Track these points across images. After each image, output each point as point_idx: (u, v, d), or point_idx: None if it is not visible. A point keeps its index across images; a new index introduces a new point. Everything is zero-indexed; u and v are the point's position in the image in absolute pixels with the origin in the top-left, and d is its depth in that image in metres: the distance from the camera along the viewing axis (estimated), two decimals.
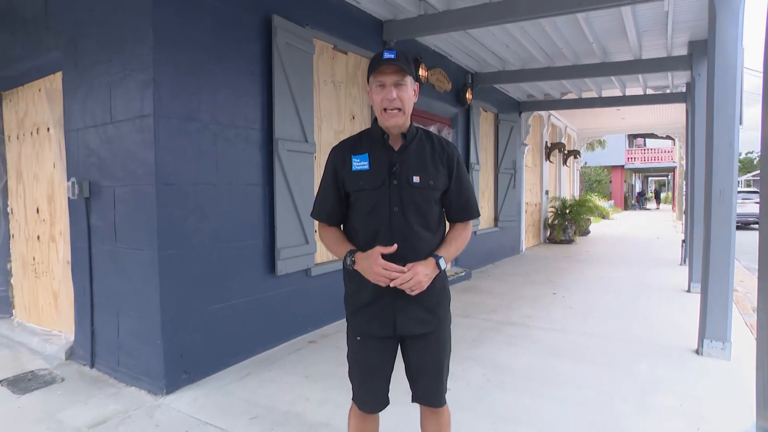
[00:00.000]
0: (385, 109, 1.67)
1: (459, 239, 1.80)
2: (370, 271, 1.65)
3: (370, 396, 1.86)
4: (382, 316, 1.73)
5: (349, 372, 1.89)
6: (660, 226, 17.37)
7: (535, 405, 2.95)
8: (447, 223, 1.86)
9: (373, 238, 1.70)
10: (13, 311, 4.64)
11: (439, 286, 1.77)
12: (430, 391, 1.84)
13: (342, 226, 1.86)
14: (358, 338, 1.81)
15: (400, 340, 1.81)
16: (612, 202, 28.43)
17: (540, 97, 9.56)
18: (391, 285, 1.63)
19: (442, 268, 1.72)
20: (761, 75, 1.44)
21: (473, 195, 1.84)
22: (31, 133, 4.24)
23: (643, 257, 9.46)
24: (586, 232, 13.35)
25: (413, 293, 1.65)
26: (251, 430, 2.67)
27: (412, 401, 1.87)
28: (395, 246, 1.65)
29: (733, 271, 3.72)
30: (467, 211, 1.82)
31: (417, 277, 1.63)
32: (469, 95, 7.06)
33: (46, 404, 3.00)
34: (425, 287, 1.66)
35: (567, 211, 12.10)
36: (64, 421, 2.79)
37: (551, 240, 12.00)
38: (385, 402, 1.88)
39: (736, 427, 2.60)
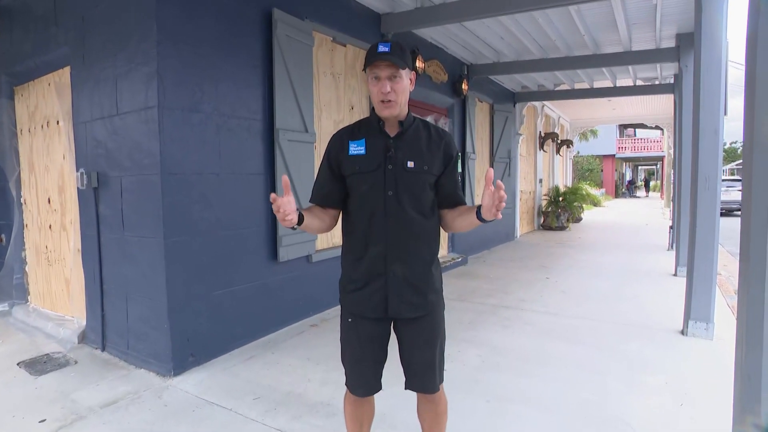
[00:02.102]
0: (381, 101, 1.69)
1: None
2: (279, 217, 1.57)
3: (361, 379, 1.88)
4: (375, 297, 1.76)
5: (341, 355, 1.91)
6: (649, 213, 17.60)
7: (529, 384, 3.07)
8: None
9: (368, 221, 1.73)
10: (29, 297, 4.75)
11: (432, 271, 1.81)
12: (422, 377, 1.85)
13: (341, 211, 1.87)
14: (350, 320, 1.83)
15: (394, 325, 1.84)
16: (603, 190, 28.70)
17: (534, 88, 9.66)
18: (495, 192, 1.47)
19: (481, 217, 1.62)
20: (744, 67, 1.52)
21: (459, 184, 1.86)
22: (42, 126, 4.31)
23: (632, 243, 9.66)
24: (578, 219, 13.53)
25: (498, 213, 1.50)
26: (255, 409, 2.77)
27: (405, 389, 1.88)
28: (285, 178, 1.58)
29: (717, 255, 3.89)
30: (457, 197, 1.82)
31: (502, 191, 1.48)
32: (464, 86, 7.16)
33: (61, 385, 3.12)
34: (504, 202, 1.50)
35: (560, 198, 12.29)
36: (78, 401, 2.90)
37: (545, 227, 12.17)
38: (376, 387, 1.89)
39: (717, 402, 2.74)
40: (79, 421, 2.68)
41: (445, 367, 1.94)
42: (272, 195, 1.53)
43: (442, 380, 1.90)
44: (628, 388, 3.02)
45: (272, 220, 3.97)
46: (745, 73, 1.48)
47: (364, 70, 1.74)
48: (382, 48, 1.65)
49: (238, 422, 2.65)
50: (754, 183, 1.38)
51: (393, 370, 1.94)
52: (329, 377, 3.17)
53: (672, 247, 7.77)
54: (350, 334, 1.85)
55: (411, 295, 1.76)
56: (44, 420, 2.68)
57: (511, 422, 2.62)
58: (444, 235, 7.09)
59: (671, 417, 2.67)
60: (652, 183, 42.99)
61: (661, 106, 12.06)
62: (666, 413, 2.70)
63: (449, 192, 1.81)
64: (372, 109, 1.82)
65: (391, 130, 1.78)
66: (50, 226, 4.34)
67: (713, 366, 3.35)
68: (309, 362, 3.46)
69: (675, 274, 6.24)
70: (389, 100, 1.69)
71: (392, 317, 1.79)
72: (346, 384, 1.92)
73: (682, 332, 3.99)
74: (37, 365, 3.43)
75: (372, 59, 1.67)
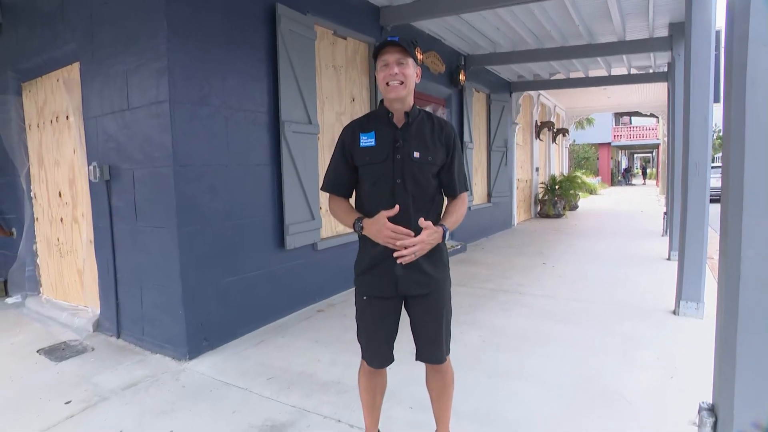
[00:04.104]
0: (388, 83, 1.82)
1: (457, 212, 1.97)
2: (379, 235, 1.81)
3: (376, 352, 2.02)
4: (386, 277, 1.90)
5: (357, 332, 2.05)
6: (644, 201, 17.77)
7: (528, 362, 3.23)
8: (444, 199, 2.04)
9: (377, 207, 1.85)
10: (41, 289, 4.87)
11: (438, 253, 1.94)
12: (430, 349, 2.00)
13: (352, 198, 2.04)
14: (365, 298, 1.97)
15: (404, 301, 1.98)
16: (599, 178, 28.88)
17: (530, 78, 9.77)
18: (397, 244, 1.79)
19: (446, 237, 1.90)
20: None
21: (464, 172, 2.03)
22: (51, 122, 4.41)
23: (628, 229, 9.83)
24: (574, 207, 13.69)
25: (414, 257, 1.81)
26: (269, 388, 2.92)
27: (416, 359, 2.04)
28: (397, 207, 1.79)
29: (707, 237, 4.04)
30: (458, 185, 1.98)
31: (423, 244, 1.81)
32: (462, 77, 7.28)
33: (81, 370, 3.27)
34: (425, 252, 1.83)
35: (556, 187, 12.45)
36: (100, 384, 3.05)
37: (542, 214, 12.35)
38: (390, 358, 2.04)
39: (704, 375, 2.89)
40: (103, 402, 2.82)
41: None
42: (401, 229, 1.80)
43: (448, 352, 2.05)
44: (621, 364, 3.18)
45: (279, 209, 4.10)
46: (725, 57, 1.61)
47: (375, 59, 1.89)
48: (391, 38, 1.82)
49: (254, 400, 2.80)
50: (732, 170, 1.52)
51: (401, 350, 2.10)
52: (338, 358, 3.33)
53: (666, 232, 7.92)
54: (365, 312, 2.01)
55: (419, 274, 1.90)
56: (70, 401, 2.82)
57: (512, 396, 2.78)
58: None
59: (661, 389, 2.83)
60: (649, 170, 43.14)
61: (655, 94, 12.18)
62: (657, 385, 2.87)
63: (446, 182, 1.98)
64: (380, 102, 1.96)
65: (399, 122, 1.91)
66: (61, 219, 4.45)
67: (702, 342, 3.48)
68: (318, 345, 3.60)
69: (668, 259, 6.40)
70: (397, 81, 1.82)
71: (402, 295, 1.94)
72: (362, 357, 2.08)
73: (674, 312, 4.16)
74: (56, 352, 3.56)
75: (382, 47, 1.84)
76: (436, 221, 1.95)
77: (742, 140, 1.44)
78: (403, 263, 1.82)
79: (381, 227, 1.81)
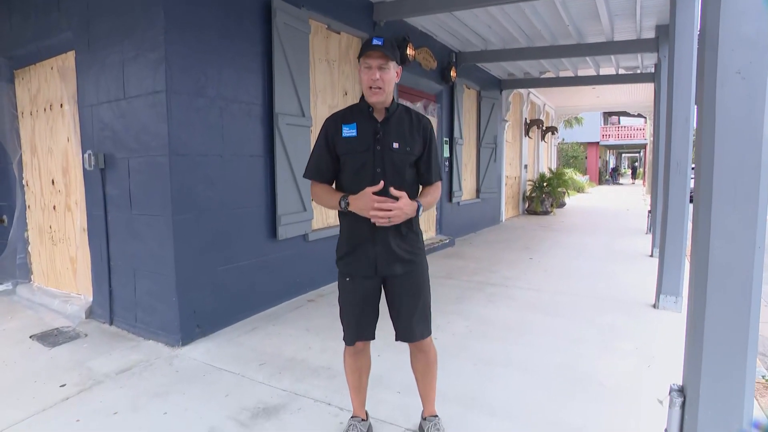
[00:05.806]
0: (370, 87, 1.95)
1: (432, 194, 2.12)
2: (366, 207, 1.92)
3: (357, 331, 2.12)
4: (366, 259, 2.03)
5: (340, 314, 2.16)
6: (631, 200, 18.04)
7: (512, 350, 3.34)
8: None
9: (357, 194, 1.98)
10: (32, 276, 4.89)
11: (413, 236, 2.09)
12: (407, 327, 2.10)
13: (333, 185, 2.15)
14: (347, 279, 2.10)
15: (383, 282, 2.11)
16: (587, 176, 29.20)
17: (520, 76, 9.88)
18: (376, 206, 1.90)
19: (419, 210, 2.03)
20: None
21: (438, 162, 2.17)
22: (45, 109, 4.41)
23: (613, 227, 10.02)
24: (562, 205, 13.87)
25: (390, 223, 1.94)
26: (261, 373, 3.00)
27: (396, 339, 2.15)
28: (382, 183, 1.93)
29: (686, 234, 4.19)
30: (434, 173, 2.12)
31: (399, 211, 1.93)
32: (453, 73, 7.36)
33: (75, 355, 3.32)
34: (400, 220, 1.96)
35: (544, 184, 12.61)
36: (94, 368, 3.10)
37: (529, 211, 12.50)
38: (370, 335, 2.15)
39: (680, 365, 3.04)
40: (97, 385, 2.88)
41: (435, 336, 2.21)
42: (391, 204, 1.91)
43: (429, 333, 2.17)
44: (601, 353, 3.31)
45: (272, 200, 4.17)
46: (696, 66, 1.72)
47: (359, 60, 2.01)
48: (375, 41, 1.94)
49: (247, 384, 2.88)
50: (703, 170, 1.64)
51: (387, 339, 2.21)
52: (328, 345, 3.41)
53: (650, 230, 8.11)
54: (347, 291, 2.13)
55: (396, 255, 2.04)
56: (64, 384, 2.88)
57: (496, 381, 2.90)
58: (432, 218, 7.35)
59: (638, 376, 2.96)
60: (638, 170, 43.54)
61: (643, 94, 12.38)
62: (634, 373, 3.00)
63: (423, 171, 2.12)
64: (362, 97, 2.08)
65: (379, 116, 2.05)
66: (54, 207, 4.47)
67: (680, 334, 3.56)
68: (308, 333, 3.69)
69: (651, 255, 6.55)
70: (378, 87, 1.96)
71: (381, 275, 2.07)
72: (344, 339, 2.18)
73: (654, 306, 4.30)
74: (49, 338, 3.61)
75: (366, 50, 1.95)
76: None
77: (712, 142, 1.55)
78: (376, 224, 1.94)
79: (367, 200, 1.92)
